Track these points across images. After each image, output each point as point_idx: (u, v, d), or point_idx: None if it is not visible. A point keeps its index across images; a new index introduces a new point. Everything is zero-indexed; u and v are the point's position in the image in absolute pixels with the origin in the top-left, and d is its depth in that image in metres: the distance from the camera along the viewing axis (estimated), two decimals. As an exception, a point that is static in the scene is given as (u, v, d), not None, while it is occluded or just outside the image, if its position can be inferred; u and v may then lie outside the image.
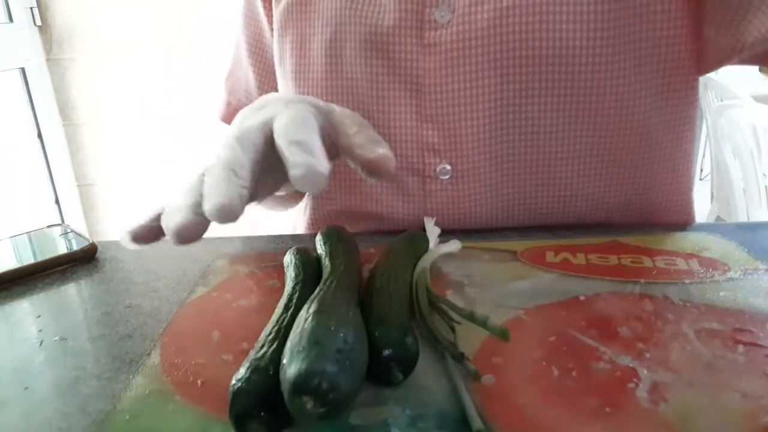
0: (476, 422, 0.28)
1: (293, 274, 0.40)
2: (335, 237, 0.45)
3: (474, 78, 0.50)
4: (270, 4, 0.61)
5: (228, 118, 0.71)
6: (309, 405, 0.26)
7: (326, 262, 0.40)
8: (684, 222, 0.58)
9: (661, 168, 0.55)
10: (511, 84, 0.50)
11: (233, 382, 0.28)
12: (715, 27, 0.49)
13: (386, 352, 0.31)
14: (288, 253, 0.43)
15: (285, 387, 0.27)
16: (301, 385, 0.26)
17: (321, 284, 0.36)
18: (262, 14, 0.62)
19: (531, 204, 0.55)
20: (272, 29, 0.61)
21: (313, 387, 0.26)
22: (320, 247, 0.44)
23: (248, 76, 0.67)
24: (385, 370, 0.31)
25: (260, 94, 0.66)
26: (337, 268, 0.39)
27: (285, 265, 0.43)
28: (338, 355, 0.27)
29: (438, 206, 0.55)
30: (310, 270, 0.40)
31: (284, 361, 0.28)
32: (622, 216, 0.57)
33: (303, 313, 0.32)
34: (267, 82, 0.65)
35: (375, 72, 0.53)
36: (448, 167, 0.53)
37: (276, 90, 0.64)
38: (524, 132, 0.52)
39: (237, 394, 0.28)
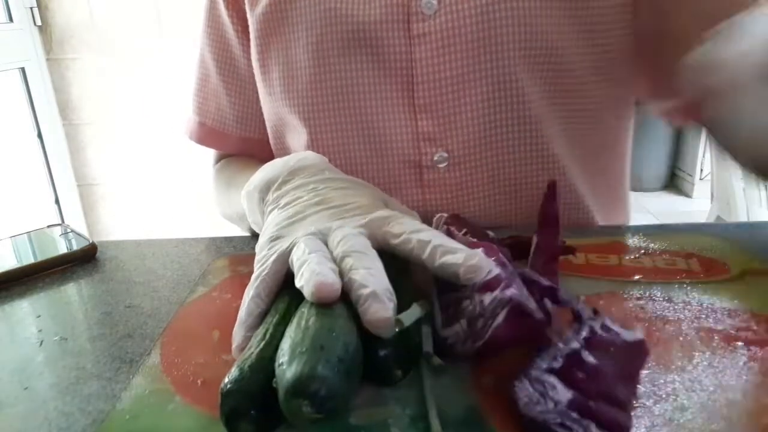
0: (435, 425, 0.28)
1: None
2: None
3: (466, 64, 0.51)
4: (240, 15, 0.60)
5: (205, 138, 0.68)
6: (305, 408, 0.26)
7: None
8: (621, 218, 0.64)
9: (615, 159, 0.61)
10: (503, 68, 0.51)
11: (224, 382, 0.29)
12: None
13: (384, 352, 0.31)
14: None
15: (283, 385, 0.27)
16: (301, 387, 0.26)
17: None
18: (229, 27, 0.61)
19: (528, 187, 0.56)
20: (242, 40, 0.60)
21: (313, 392, 0.26)
22: None
23: (218, 92, 0.65)
24: (384, 368, 0.31)
25: (233, 110, 0.64)
26: None
27: None
28: (339, 364, 0.28)
29: (436, 196, 0.55)
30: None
31: (284, 358, 0.28)
32: (600, 202, 0.60)
33: (304, 310, 0.31)
34: (239, 95, 0.64)
35: (364, 68, 0.53)
36: (445, 155, 0.54)
37: (249, 103, 0.63)
38: (517, 114, 0.53)
39: (227, 394, 0.28)
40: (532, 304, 0.32)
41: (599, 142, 0.58)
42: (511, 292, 0.31)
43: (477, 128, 0.53)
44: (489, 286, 0.32)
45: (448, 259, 0.33)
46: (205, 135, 0.67)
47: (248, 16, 0.58)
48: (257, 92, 0.62)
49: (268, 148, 0.64)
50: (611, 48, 0.53)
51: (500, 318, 0.31)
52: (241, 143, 0.66)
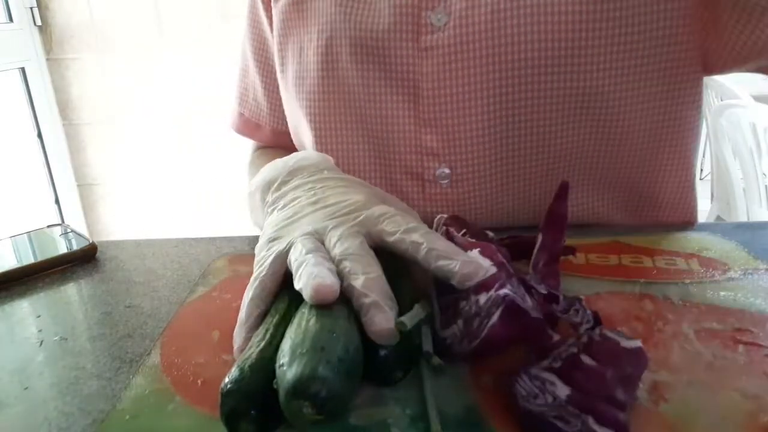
0: (435, 425, 0.28)
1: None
2: None
3: (472, 81, 0.50)
4: (270, 8, 0.61)
5: (243, 128, 0.71)
6: (305, 410, 0.26)
7: None
8: (685, 222, 0.58)
9: (663, 167, 0.55)
10: (509, 87, 0.49)
11: (224, 381, 0.29)
12: (729, 28, 0.48)
13: (384, 352, 0.31)
14: None
15: (283, 386, 0.27)
16: (302, 388, 0.26)
17: None
18: (265, 21, 0.62)
19: (531, 205, 0.55)
20: (273, 34, 0.61)
21: (313, 393, 0.26)
22: None
23: (255, 84, 0.67)
24: (385, 368, 0.31)
25: (267, 102, 0.66)
26: None
27: None
28: (340, 365, 0.28)
29: (437, 211, 0.54)
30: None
31: (284, 359, 0.28)
32: (624, 216, 0.57)
33: (304, 310, 0.31)
34: (273, 89, 0.65)
35: (371, 77, 0.52)
36: (447, 171, 0.53)
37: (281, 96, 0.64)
38: (523, 133, 0.51)
39: (227, 394, 0.28)
40: (528, 303, 0.32)
41: (622, 157, 0.54)
42: (505, 291, 0.31)
43: (481, 146, 0.52)
44: (485, 285, 0.32)
45: (443, 265, 0.34)
46: (243, 125, 0.70)
47: (273, 10, 0.59)
48: None
49: None
50: (667, 60, 0.49)
51: (495, 317, 0.31)
52: (274, 135, 0.68)
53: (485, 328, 0.31)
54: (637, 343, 0.30)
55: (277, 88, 0.64)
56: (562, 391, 0.28)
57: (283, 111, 0.65)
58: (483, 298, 0.32)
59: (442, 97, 0.51)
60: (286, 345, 0.29)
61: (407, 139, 0.53)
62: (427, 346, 0.33)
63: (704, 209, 2.06)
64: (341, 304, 0.32)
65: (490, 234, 0.42)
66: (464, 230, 0.40)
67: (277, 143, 0.69)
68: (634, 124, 0.51)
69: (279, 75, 0.60)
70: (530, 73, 0.49)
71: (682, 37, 0.48)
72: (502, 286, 0.32)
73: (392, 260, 0.36)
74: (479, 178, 0.53)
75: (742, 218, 1.68)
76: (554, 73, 0.49)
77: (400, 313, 0.32)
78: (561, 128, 0.51)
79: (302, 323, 0.30)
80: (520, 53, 0.48)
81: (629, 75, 0.49)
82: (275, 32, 0.59)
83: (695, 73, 0.51)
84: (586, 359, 0.29)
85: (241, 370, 0.29)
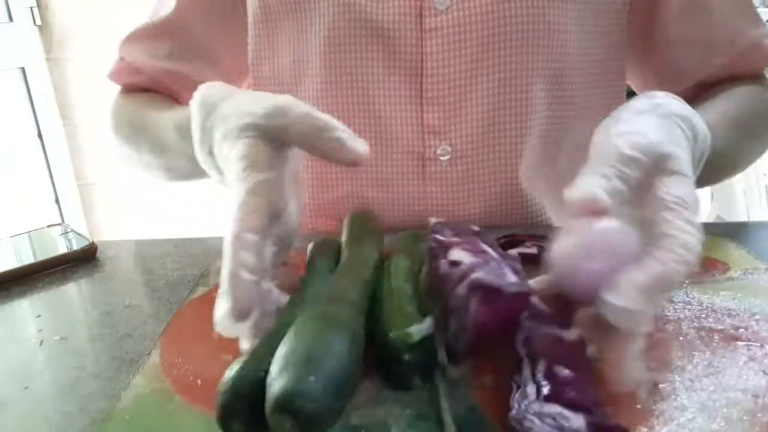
0: (449, 428, 0.28)
1: (309, 269, 0.40)
2: (358, 223, 0.45)
3: (474, 59, 0.52)
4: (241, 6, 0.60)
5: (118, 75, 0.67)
6: (288, 424, 0.25)
7: (344, 251, 0.41)
8: None
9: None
10: (509, 64, 0.52)
11: (221, 381, 0.28)
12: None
13: (408, 357, 0.31)
14: (310, 243, 0.44)
15: (268, 399, 0.26)
16: (284, 403, 0.25)
17: (330, 280, 0.36)
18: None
19: (528, 185, 0.56)
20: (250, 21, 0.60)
21: (296, 408, 0.25)
22: (343, 233, 0.44)
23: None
24: (405, 373, 0.31)
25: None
26: (353, 259, 0.39)
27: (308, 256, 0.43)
28: (328, 380, 0.26)
29: (438, 189, 0.56)
30: (323, 263, 0.40)
31: (274, 368, 0.27)
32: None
33: (305, 316, 0.31)
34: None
35: (375, 58, 0.54)
36: (448, 148, 0.55)
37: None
38: (520, 112, 0.54)
39: (223, 393, 0.28)
40: (503, 280, 0.32)
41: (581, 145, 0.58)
42: (475, 275, 0.31)
43: (481, 123, 0.54)
44: (463, 275, 0.32)
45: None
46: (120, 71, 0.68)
47: (248, 2, 0.58)
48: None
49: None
50: (605, 53, 0.55)
51: (473, 303, 0.31)
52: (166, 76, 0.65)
53: (469, 316, 0.31)
54: (577, 334, 0.31)
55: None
56: (578, 421, 0.27)
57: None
58: (462, 288, 0.32)
59: (446, 74, 0.53)
60: (280, 351, 0.28)
61: (410, 118, 0.55)
62: (441, 357, 0.33)
63: (704, 209, 2.06)
64: (346, 314, 0.32)
65: (476, 228, 0.42)
66: (453, 233, 0.39)
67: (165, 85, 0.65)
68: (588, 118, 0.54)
69: (254, 67, 0.59)
70: (529, 51, 0.52)
71: (619, 27, 0.57)
72: (472, 271, 0.32)
73: (401, 267, 0.36)
74: (479, 155, 0.55)
75: (742, 218, 1.68)
76: (551, 52, 0.52)
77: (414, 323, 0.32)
78: (555, 106, 0.55)
79: (300, 330, 0.29)
80: (520, 33, 0.51)
81: (594, 66, 0.56)
82: (254, 25, 0.58)
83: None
84: (560, 371, 0.29)
85: (239, 370, 0.29)
